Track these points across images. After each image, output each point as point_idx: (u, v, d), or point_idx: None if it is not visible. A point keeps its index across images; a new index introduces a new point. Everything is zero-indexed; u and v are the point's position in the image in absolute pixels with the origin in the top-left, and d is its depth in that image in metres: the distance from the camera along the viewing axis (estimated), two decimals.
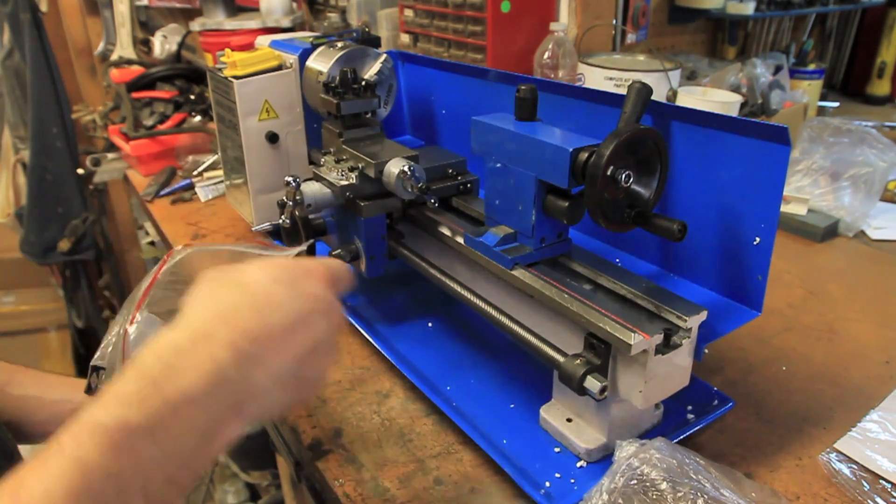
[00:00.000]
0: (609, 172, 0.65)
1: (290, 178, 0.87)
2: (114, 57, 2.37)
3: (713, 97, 1.37)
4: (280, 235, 1.05)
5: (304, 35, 1.19)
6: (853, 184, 1.28)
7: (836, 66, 2.33)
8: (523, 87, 0.76)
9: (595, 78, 1.42)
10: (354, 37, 1.12)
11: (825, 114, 1.95)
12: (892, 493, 0.70)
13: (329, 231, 1.01)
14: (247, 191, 1.15)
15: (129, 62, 2.22)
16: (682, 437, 0.75)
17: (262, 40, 1.22)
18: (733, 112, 1.31)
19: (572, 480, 0.71)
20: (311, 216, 0.95)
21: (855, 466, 0.73)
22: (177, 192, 1.57)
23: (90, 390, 0.67)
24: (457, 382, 0.86)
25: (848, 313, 1.03)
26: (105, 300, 2.97)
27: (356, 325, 0.96)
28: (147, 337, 0.65)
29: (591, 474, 0.71)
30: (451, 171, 0.98)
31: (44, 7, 2.43)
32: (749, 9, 1.81)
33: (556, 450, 0.75)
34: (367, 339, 0.94)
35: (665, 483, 0.59)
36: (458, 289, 0.87)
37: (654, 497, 0.59)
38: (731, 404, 0.80)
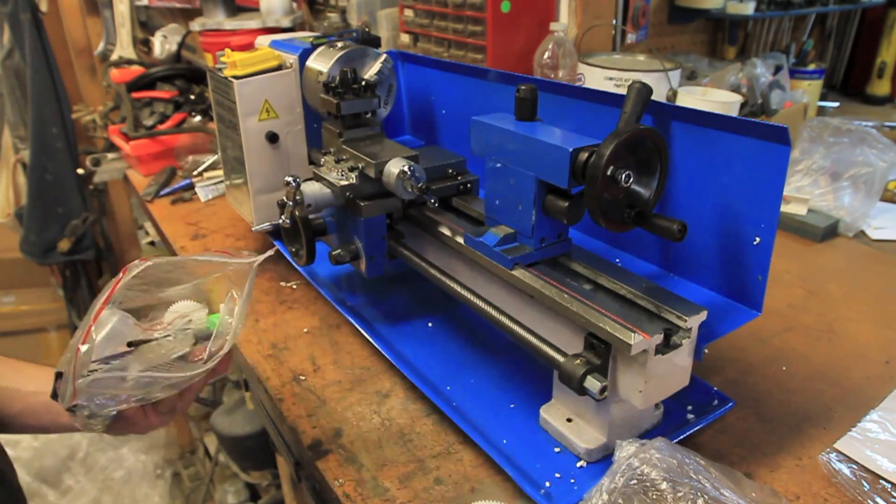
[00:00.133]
0: (609, 172, 0.65)
1: (290, 178, 0.88)
2: (114, 57, 2.37)
3: (713, 97, 1.37)
4: (280, 235, 1.05)
5: (304, 35, 1.19)
6: (853, 184, 1.28)
7: (836, 66, 2.33)
8: (523, 87, 0.76)
9: (595, 78, 1.42)
10: (354, 37, 1.12)
11: (825, 114, 1.95)
12: (892, 493, 0.70)
13: (329, 231, 1.01)
14: (247, 191, 1.15)
15: (129, 62, 2.22)
16: (682, 437, 0.75)
17: (262, 40, 1.22)
18: (733, 112, 1.31)
19: (572, 480, 0.71)
20: (311, 216, 0.96)
21: (855, 466, 0.73)
22: (177, 192, 1.57)
23: (55, 395, 0.68)
24: (457, 382, 0.86)
25: (848, 313, 1.03)
26: None
27: (356, 325, 0.96)
28: (112, 340, 0.65)
29: (591, 474, 0.71)
30: (451, 171, 0.98)
31: (44, 7, 2.43)
32: (749, 9, 1.80)
33: (556, 450, 0.75)
34: (368, 339, 0.94)
35: (665, 483, 0.59)
36: (458, 289, 0.87)
37: (654, 497, 0.59)
38: (731, 404, 0.80)
